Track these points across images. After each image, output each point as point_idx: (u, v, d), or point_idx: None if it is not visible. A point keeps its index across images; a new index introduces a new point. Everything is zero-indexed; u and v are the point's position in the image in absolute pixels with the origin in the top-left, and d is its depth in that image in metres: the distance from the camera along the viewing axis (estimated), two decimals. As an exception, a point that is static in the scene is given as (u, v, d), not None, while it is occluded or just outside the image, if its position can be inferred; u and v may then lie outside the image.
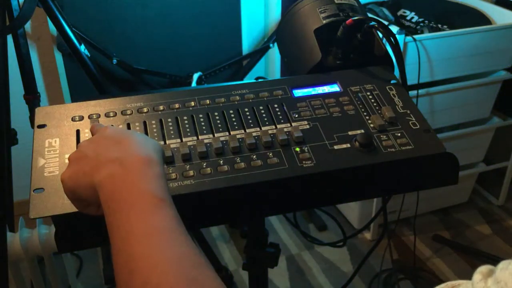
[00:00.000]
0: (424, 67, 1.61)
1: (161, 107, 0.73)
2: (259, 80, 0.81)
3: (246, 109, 0.73)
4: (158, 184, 0.51)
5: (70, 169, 0.55)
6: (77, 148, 0.58)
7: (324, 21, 0.82)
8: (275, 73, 2.13)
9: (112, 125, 0.69)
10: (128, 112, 0.72)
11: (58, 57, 1.77)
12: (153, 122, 0.70)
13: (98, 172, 0.52)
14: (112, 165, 0.52)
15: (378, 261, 1.76)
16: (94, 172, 0.52)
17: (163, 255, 0.44)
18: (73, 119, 0.70)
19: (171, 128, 0.70)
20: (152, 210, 0.48)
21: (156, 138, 0.68)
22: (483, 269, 0.40)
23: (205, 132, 0.69)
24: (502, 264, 0.38)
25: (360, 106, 0.75)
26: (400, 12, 1.90)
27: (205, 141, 0.68)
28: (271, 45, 2.02)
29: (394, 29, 1.58)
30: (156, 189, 0.50)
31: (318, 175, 0.66)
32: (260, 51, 2.05)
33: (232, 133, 0.69)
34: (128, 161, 0.52)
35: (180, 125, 0.70)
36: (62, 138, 0.68)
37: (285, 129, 0.70)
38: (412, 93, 1.58)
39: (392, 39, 0.79)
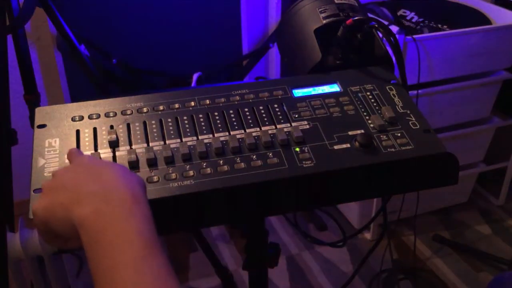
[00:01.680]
0: (424, 67, 1.61)
1: (161, 107, 0.73)
2: (259, 80, 0.81)
3: (246, 109, 0.73)
4: (147, 225, 0.48)
5: (44, 199, 0.51)
6: (52, 176, 0.54)
7: (324, 21, 0.82)
8: (275, 73, 2.13)
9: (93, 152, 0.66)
10: (128, 112, 0.72)
11: (58, 57, 1.77)
12: (153, 122, 0.70)
13: (79, 207, 0.48)
14: (94, 199, 0.48)
15: (378, 261, 1.76)
16: (73, 206, 0.48)
17: None
18: (73, 119, 0.70)
19: (171, 128, 0.70)
20: (142, 257, 0.45)
21: (156, 138, 0.68)
22: None
23: (205, 132, 0.69)
24: None
25: (360, 106, 0.75)
26: (400, 12, 1.90)
27: (205, 141, 0.68)
28: (271, 45, 2.02)
29: (394, 29, 1.57)
30: (145, 231, 0.47)
31: (318, 175, 0.66)
32: (260, 51, 2.05)
33: (232, 133, 0.70)
34: (113, 196, 0.48)
35: (180, 125, 0.70)
36: (62, 138, 0.68)
37: (285, 129, 0.70)
38: (412, 93, 1.58)
39: (392, 39, 0.79)
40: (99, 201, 0.48)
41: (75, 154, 0.59)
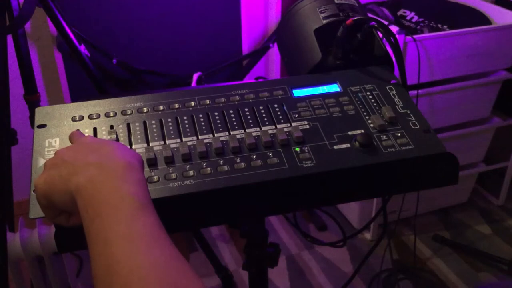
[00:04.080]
0: (424, 67, 1.61)
1: (161, 107, 0.73)
2: (259, 80, 0.81)
3: (246, 109, 0.73)
4: (140, 189, 0.50)
5: (45, 174, 0.54)
6: (54, 154, 0.57)
7: (324, 21, 0.82)
8: (275, 73, 2.13)
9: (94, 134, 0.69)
10: (128, 112, 0.72)
11: (58, 57, 1.77)
12: (153, 122, 0.70)
13: (76, 176, 0.50)
14: (91, 168, 0.50)
15: (378, 261, 1.76)
16: (71, 177, 0.51)
17: (145, 259, 0.44)
18: (73, 119, 0.70)
19: (171, 128, 0.70)
20: (134, 214, 0.47)
21: (156, 138, 0.68)
22: None
23: (205, 132, 0.69)
24: None
25: (360, 106, 0.75)
26: (400, 12, 1.90)
27: (205, 141, 0.68)
28: (271, 45, 2.02)
29: (394, 29, 1.57)
30: (138, 193, 0.49)
31: (318, 175, 0.66)
32: (260, 51, 2.05)
33: (232, 133, 0.69)
34: (108, 165, 0.51)
35: (180, 125, 0.70)
36: (62, 138, 0.68)
37: (285, 129, 0.70)
38: (412, 93, 1.58)
39: (392, 39, 0.79)
40: (94, 169, 0.50)
41: (77, 135, 0.62)
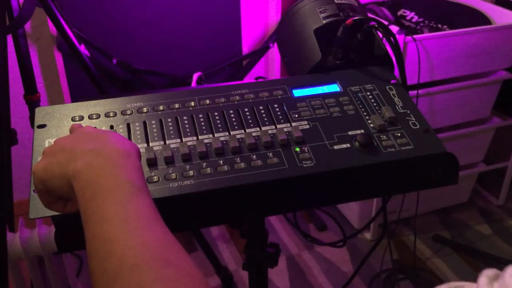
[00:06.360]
0: (424, 67, 1.61)
1: (161, 107, 0.73)
2: (259, 80, 0.81)
3: (246, 109, 0.73)
4: (136, 174, 0.51)
5: (44, 161, 0.54)
6: (54, 143, 0.58)
7: (324, 21, 0.82)
8: (275, 73, 2.13)
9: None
10: (128, 112, 0.72)
11: (58, 57, 1.77)
12: (153, 122, 0.70)
13: (73, 162, 0.51)
14: (88, 155, 0.52)
15: (378, 261, 1.76)
16: (69, 163, 0.52)
17: (139, 238, 0.45)
18: (73, 119, 0.70)
19: (171, 128, 0.70)
20: (130, 197, 0.48)
21: (156, 138, 0.68)
22: (489, 272, 0.40)
23: (205, 132, 0.69)
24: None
25: (360, 106, 0.75)
26: (400, 12, 1.90)
27: (205, 141, 0.68)
28: (271, 45, 2.02)
29: (394, 29, 1.57)
30: (133, 178, 0.50)
31: (318, 175, 0.66)
32: (260, 51, 2.05)
33: (232, 133, 0.70)
34: (105, 151, 0.52)
35: (180, 125, 0.70)
36: (62, 138, 0.67)
37: (285, 129, 0.70)
38: (412, 93, 1.58)
39: (392, 39, 0.79)
40: (92, 156, 0.51)
41: (76, 125, 0.63)
